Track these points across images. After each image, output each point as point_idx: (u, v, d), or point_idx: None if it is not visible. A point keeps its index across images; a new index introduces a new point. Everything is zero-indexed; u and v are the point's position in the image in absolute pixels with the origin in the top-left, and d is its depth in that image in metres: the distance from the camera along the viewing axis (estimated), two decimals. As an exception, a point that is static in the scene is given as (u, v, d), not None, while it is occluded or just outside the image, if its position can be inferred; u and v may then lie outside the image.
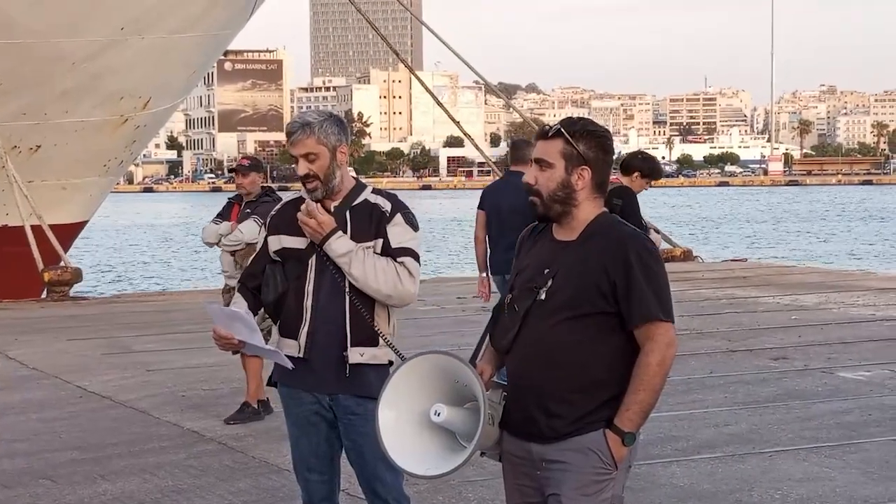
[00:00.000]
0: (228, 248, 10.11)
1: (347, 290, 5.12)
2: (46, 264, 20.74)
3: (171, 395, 11.29)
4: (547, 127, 4.32)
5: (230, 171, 10.54)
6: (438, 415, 4.19)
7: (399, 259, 5.15)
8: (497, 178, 15.21)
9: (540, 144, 4.31)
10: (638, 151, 9.92)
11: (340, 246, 5.10)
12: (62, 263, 21.20)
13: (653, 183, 9.54)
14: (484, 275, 10.69)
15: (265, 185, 10.48)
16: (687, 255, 26.35)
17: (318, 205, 5.15)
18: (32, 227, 21.02)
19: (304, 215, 5.12)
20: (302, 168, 5.16)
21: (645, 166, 9.35)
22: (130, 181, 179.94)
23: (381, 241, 5.17)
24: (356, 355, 5.12)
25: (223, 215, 10.32)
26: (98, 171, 23.42)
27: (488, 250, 10.69)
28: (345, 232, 5.14)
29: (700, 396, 10.47)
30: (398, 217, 5.21)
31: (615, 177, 9.56)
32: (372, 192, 5.29)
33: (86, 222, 24.85)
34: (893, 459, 8.51)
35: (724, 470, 8.33)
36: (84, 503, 7.80)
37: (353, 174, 5.37)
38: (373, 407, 4.34)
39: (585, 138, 4.27)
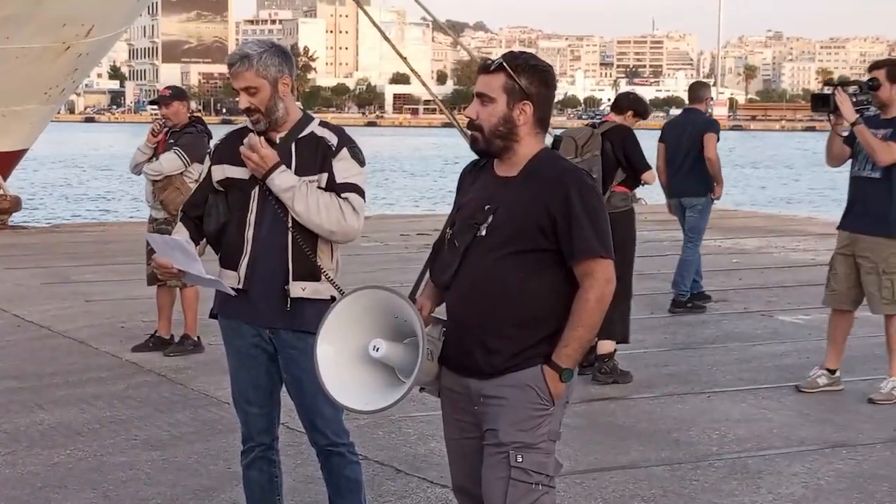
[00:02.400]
0: (149, 177, 9.96)
1: (290, 224, 5.06)
2: (-15, 192, 20.51)
3: (110, 326, 11.22)
4: (489, 61, 4.27)
5: (151, 102, 10.39)
6: (377, 350, 4.17)
7: (343, 195, 5.09)
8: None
9: (482, 78, 4.26)
10: (629, 91, 10.21)
11: (283, 181, 5.03)
12: (1, 192, 20.97)
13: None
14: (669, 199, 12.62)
15: (192, 114, 10.31)
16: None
17: (261, 138, 5.08)
18: (-28, 154, 20.77)
19: (246, 149, 5.05)
20: (243, 102, 5.08)
21: (639, 106, 9.53)
22: (72, 110, 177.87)
23: (325, 175, 5.10)
24: (297, 289, 5.08)
25: None
26: (39, 98, 23.08)
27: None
28: (289, 165, 5.07)
29: (640, 337, 10.52)
30: (344, 151, 5.14)
31: (608, 115, 9.69)
32: (319, 124, 5.22)
33: (25, 151, 24.53)
34: (829, 402, 8.60)
35: (662, 409, 8.39)
36: (21, 432, 7.75)
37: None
38: (312, 341, 4.32)
39: (527, 73, 4.22)
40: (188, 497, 6.49)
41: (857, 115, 8.50)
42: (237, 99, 5.17)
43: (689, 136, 12.23)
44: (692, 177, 12.26)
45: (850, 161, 8.81)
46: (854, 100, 8.53)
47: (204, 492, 6.58)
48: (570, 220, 4.14)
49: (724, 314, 12.15)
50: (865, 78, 8.87)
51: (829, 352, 8.92)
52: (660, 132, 12.75)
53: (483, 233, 4.22)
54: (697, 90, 13.00)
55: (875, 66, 8.75)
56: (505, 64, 4.22)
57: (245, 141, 5.07)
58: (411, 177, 59.82)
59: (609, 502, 6.44)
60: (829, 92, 8.60)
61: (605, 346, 9.01)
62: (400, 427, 7.74)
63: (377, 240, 17.95)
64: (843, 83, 8.84)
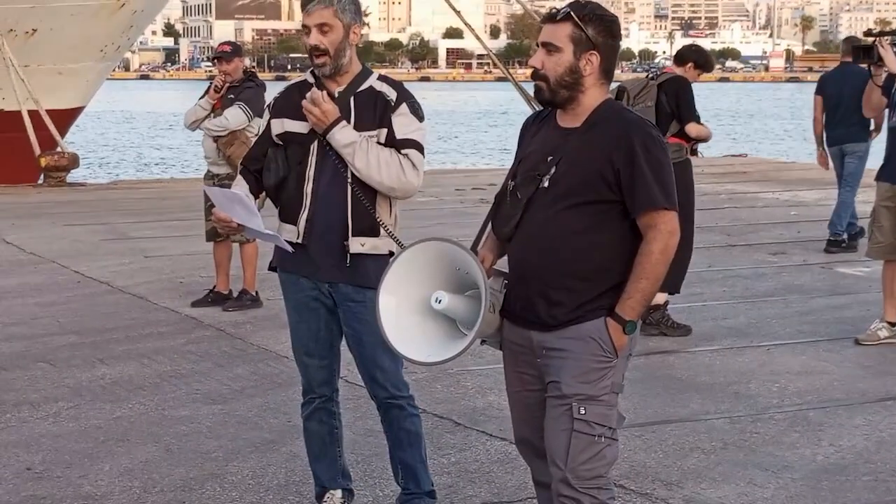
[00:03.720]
0: (212, 133, 9.98)
1: (349, 179, 5.05)
2: (43, 150, 20.66)
3: (168, 282, 11.29)
4: (554, 10, 4.22)
5: (211, 59, 10.39)
6: (439, 302, 4.16)
7: (403, 151, 5.07)
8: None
9: (547, 28, 4.21)
10: (692, 44, 10.11)
11: (344, 136, 5.01)
12: (59, 149, 21.12)
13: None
14: (821, 149, 13.16)
15: (247, 70, 10.35)
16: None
17: (324, 92, 5.05)
18: (29, 111, 20.89)
19: (308, 103, 5.03)
20: (314, 38, 5.03)
21: (700, 58, 9.43)
22: (127, 68, 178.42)
23: (385, 130, 5.07)
24: (357, 245, 5.07)
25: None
26: (94, 56, 23.19)
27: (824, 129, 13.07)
28: (348, 119, 5.04)
29: (698, 290, 10.48)
30: (403, 107, 5.11)
31: (668, 67, 9.63)
32: (378, 79, 5.19)
33: (82, 108, 24.66)
34: (890, 354, 8.54)
35: (721, 362, 8.35)
36: (83, 386, 7.82)
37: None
38: (373, 295, 4.32)
39: (595, 22, 4.18)
40: (249, 450, 6.54)
41: None
42: (303, 41, 5.10)
43: (851, 86, 12.21)
44: (854, 125, 12.46)
45: (886, 111, 8.74)
46: (894, 49, 8.43)
47: (265, 445, 6.62)
48: (633, 172, 4.11)
49: (783, 267, 12.07)
50: None
51: (886, 304, 8.86)
52: (816, 85, 13.40)
53: (546, 184, 4.19)
54: (853, 42, 13.05)
55: None
56: (572, 13, 4.17)
57: (308, 95, 5.05)
58: (468, 130, 59.76)
59: (669, 454, 6.42)
60: (871, 42, 8.51)
61: (655, 297, 8.94)
62: (458, 380, 7.75)
63: (432, 195, 17.93)
64: (883, 33, 8.74)
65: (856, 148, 12.87)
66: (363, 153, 5.01)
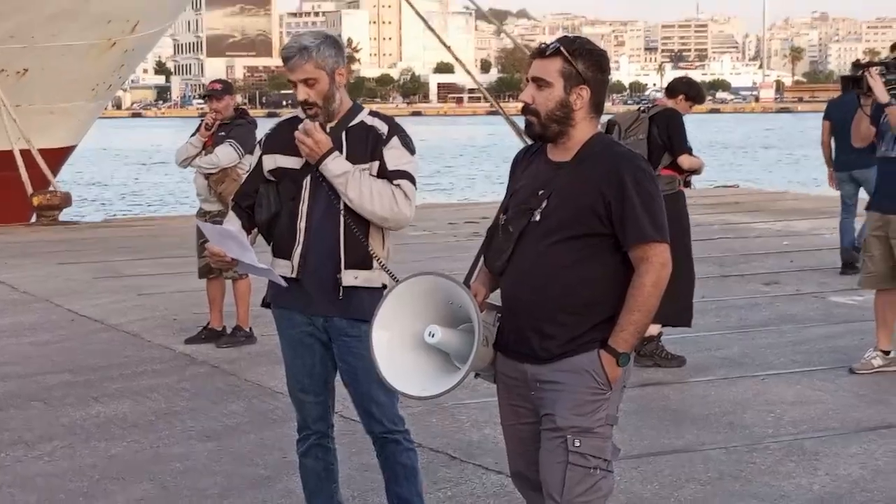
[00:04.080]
0: (203, 170, 10.00)
1: (342, 211, 5.07)
2: (35, 189, 20.68)
3: (162, 319, 11.28)
4: (544, 45, 4.26)
5: (202, 96, 10.43)
6: (433, 336, 4.17)
7: (395, 182, 5.10)
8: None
9: (537, 63, 4.24)
10: (683, 76, 10.15)
11: (337, 166, 5.04)
12: (51, 188, 21.15)
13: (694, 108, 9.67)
14: (830, 169, 13.69)
15: (238, 106, 10.38)
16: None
17: (316, 123, 5.08)
18: (21, 151, 20.92)
19: (301, 134, 5.06)
20: (301, 94, 5.08)
21: (691, 90, 9.46)
22: (118, 106, 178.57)
23: (377, 163, 5.10)
24: (350, 278, 5.08)
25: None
26: (86, 95, 23.24)
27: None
28: (340, 153, 5.08)
29: (693, 321, 10.47)
30: (395, 140, 5.15)
31: (659, 99, 9.64)
32: (369, 114, 5.22)
33: (74, 147, 24.69)
34: (885, 383, 8.55)
35: (716, 393, 8.36)
36: (78, 425, 7.81)
37: (347, 97, 5.28)
38: (367, 328, 4.33)
39: (584, 57, 4.22)
40: (245, 487, 6.53)
41: (890, 97, 8.44)
42: (291, 90, 5.16)
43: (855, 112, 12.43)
44: (863, 150, 12.55)
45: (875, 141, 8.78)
46: (883, 80, 8.47)
47: (260, 481, 6.61)
48: (624, 205, 4.13)
49: (776, 296, 12.08)
50: (886, 56, 8.82)
51: (879, 333, 8.88)
52: (823, 112, 13.65)
53: (537, 218, 4.21)
54: None
55: None
56: (562, 48, 4.20)
57: (300, 126, 5.08)
58: (458, 165, 59.83)
59: (665, 486, 6.42)
60: (859, 73, 8.55)
61: (648, 328, 8.95)
62: (453, 414, 7.75)
63: (425, 228, 17.94)
64: (872, 63, 8.78)
65: (867, 174, 12.68)
66: (356, 183, 5.03)
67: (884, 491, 6.32)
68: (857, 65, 8.74)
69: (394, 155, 5.12)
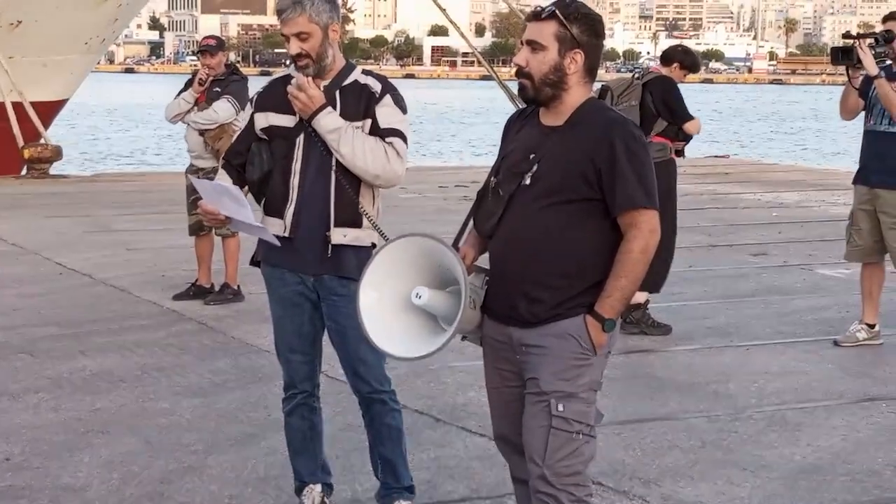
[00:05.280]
0: (200, 126, 9.96)
1: (334, 168, 5.07)
2: (26, 141, 20.65)
3: (151, 275, 11.29)
4: (539, 8, 4.24)
5: (195, 52, 10.38)
6: (420, 297, 4.18)
7: (387, 139, 5.10)
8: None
9: (532, 26, 4.23)
10: (678, 45, 10.08)
11: (330, 122, 5.04)
12: (42, 141, 21.09)
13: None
14: None
15: (230, 63, 10.35)
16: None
17: (310, 79, 5.07)
18: (13, 103, 20.86)
19: (294, 88, 5.05)
20: (294, 47, 5.06)
21: (686, 59, 9.44)
22: (111, 61, 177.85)
23: (369, 121, 5.10)
24: (339, 236, 5.09)
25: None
26: (79, 48, 23.14)
27: None
28: (334, 110, 5.07)
29: (679, 289, 10.51)
30: (387, 98, 5.14)
31: (654, 67, 9.62)
32: (362, 72, 5.22)
33: (66, 100, 24.60)
34: (868, 356, 8.59)
35: (701, 362, 8.39)
36: (63, 378, 7.82)
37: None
38: (355, 288, 4.33)
39: (580, 21, 4.20)
40: (229, 444, 6.55)
41: (879, 70, 8.43)
42: (285, 46, 5.14)
43: None
44: None
45: (862, 114, 8.77)
46: (873, 52, 8.45)
47: (245, 438, 6.63)
48: (614, 170, 4.13)
49: (764, 267, 12.12)
50: (879, 29, 8.78)
51: (865, 306, 8.90)
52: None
53: (527, 181, 4.21)
54: None
55: (889, 17, 8.69)
56: (557, 11, 4.19)
57: (293, 81, 5.07)
58: (452, 127, 59.71)
59: (647, 453, 6.45)
60: (850, 44, 8.52)
61: (636, 296, 8.98)
62: (439, 376, 7.77)
63: (415, 191, 17.93)
64: (862, 35, 8.75)
65: None
66: (349, 139, 5.03)
67: (864, 463, 6.36)
68: (847, 36, 8.72)
69: (386, 113, 5.12)
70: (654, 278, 9.03)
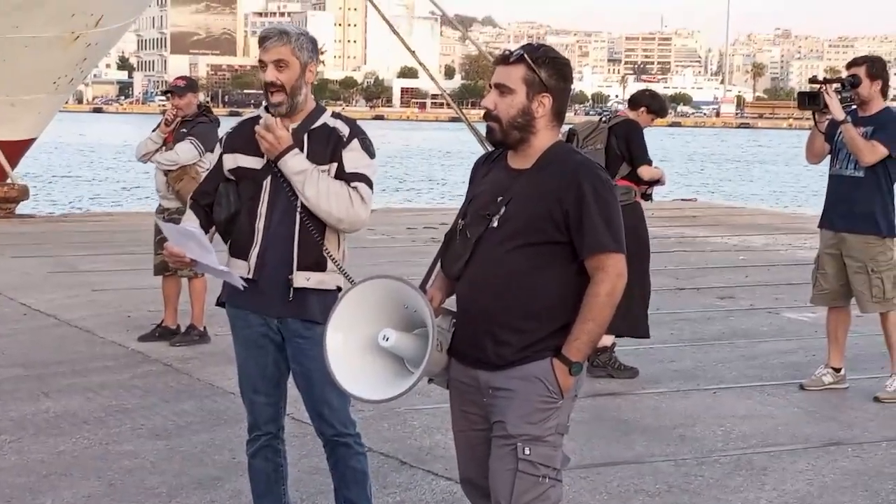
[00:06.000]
0: (162, 166, 9.95)
1: (299, 210, 5.05)
2: (-7, 180, 20.56)
3: (116, 316, 11.22)
4: (508, 52, 4.26)
5: (164, 92, 10.39)
6: (387, 339, 4.17)
7: (352, 184, 5.09)
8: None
9: (500, 69, 4.25)
10: (646, 89, 10.13)
11: (296, 164, 5.02)
12: (9, 180, 21.01)
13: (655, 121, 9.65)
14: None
15: (202, 104, 10.35)
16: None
17: (278, 119, 5.07)
18: (-20, 142, 20.80)
19: (261, 128, 5.04)
20: (270, 74, 5.03)
21: (653, 103, 9.47)
22: (80, 101, 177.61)
23: (335, 165, 5.10)
24: (301, 279, 5.07)
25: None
26: (48, 88, 23.08)
27: None
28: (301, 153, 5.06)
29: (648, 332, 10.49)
30: (355, 142, 5.14)
31: (621, 111, 9.63)
32: (332, 116, 5.22)
33: (34, 140, 24.53)
34: (835, 399, 8.60)
35: (668, 405, 8.39)
36: (27, 420, 7.75)
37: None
38: (321, 330, 4.32)
39: (547, 65, 4.22)
40: (193, 486, 6.50)
41: (846, 114, 8.47)
42: (260, 75, 5.10)
43: None
44: None
45: (828, 158, 8.81)
46: (839, 97, 8.50)
47: (209, 481, 6.58)
48: (582, 214, 4.14)
49: (731, 311, 12.15)
50: (845, 74, 8.83)
51: (831, 350, 8.93)
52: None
53: (495, 224, 4.22)
54: None
55: (854, 62, 8.73)
56: (525, 55, 4.21)
57: (261, 121, 5.06)
58: (420, 170, 59.75)
59: (613, 497, 6.44)
60: (817, 89, 8.57)
61: (602, 339, 8.98)
62: (405, 419, 7.74)
63: (383, 233, 17.94)
64: (828, 80, 8.81)
65: None
66: (314, 182, 5.02)
67: (830, 507, 6.36)
68: (814, 81, 8.77)
69: (353, 157, 5.12)
70: (639, 324, 9.06)
